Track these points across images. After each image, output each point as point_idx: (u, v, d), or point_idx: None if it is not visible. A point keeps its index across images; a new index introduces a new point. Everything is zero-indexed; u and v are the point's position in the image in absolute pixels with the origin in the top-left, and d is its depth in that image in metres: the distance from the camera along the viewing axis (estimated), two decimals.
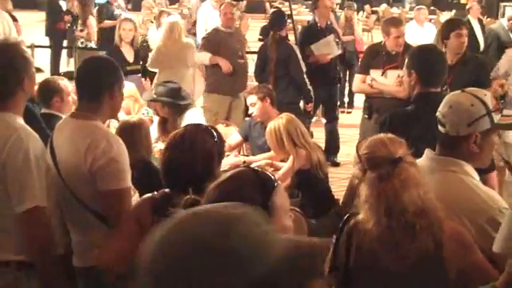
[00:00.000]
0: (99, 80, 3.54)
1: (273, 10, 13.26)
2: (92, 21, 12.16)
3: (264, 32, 11.78)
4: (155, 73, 9.01)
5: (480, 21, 13.04)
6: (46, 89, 5.48)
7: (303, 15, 20.95)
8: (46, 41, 13.53)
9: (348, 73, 12.09)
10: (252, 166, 5.44)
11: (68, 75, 7.89)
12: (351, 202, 5.09)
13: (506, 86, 6.38)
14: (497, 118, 3.09)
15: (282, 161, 5.75)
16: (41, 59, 11.25)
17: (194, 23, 13.94)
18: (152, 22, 13.02)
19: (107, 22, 12.00)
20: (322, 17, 9.22)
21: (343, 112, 11.75)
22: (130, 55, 8.79)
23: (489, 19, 15.31)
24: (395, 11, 23.41)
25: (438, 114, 3.17)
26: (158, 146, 5.36)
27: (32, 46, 10.82)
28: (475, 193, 2.97)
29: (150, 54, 9.20)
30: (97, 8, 13.08)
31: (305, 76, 8.36)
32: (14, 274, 3.27)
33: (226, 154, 6.22)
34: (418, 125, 4.02)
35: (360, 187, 2.94)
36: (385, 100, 6.59)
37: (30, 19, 17.26)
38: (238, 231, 1.28)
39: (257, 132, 6.38)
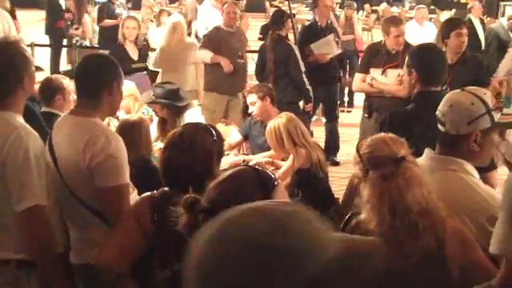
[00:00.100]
0: (98, 77, 3.54)
1: (273, 9, 13.27)
2: (87, 19, 12.16)
3: (264, 31, 11.79)
4: (156, 72, 9.01)
5: (481, 20, 13.05)
6: (48, 87, 5.50)
7: (303, 14, 20.96)
8: (46, 39, 13.52)
9: (348, 72, 12.09)
10: (252, 162, 5.48)
11: (68, 74, 7.89)
12: (351, 202, 5.08)
13: (505, 83, 6.38)
14: (497, 116, 3.09)
15: (282, 160, 5.74)
16: (41, 58, 11.24)
17: (189, 23, 13.93)
18: (152, 21, 13.05)
19: (108, 21, 11.99)
20: (322, 16, 9.21)
21: (343, 111, 11.75)
22: (134, 53, 8.76)
23: (489, 18, 15.31)
24: (395, 10, 23.43)
25: (437, 112, 3.17)
26: (158, 145, 5.35)
27: (32, 45, 10.82)
28: (476, 191, 2.97)
29: (150, 53, 9.20)
30: (98, 7, 13.08)
31: (304, 76, 8.35)
32: (14, 273, 3.27)
33: (226, 152, 6.22)
34: (418, 124, 4.02)
35: (361, 187, 2.93)
36: (385, 99, 6.59)
37: (30, 18, 17.26)
38: (293, 229, 1.25)
39: (257, 131, 6.38)
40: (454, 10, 21.30)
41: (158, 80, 8.66)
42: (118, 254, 3.07)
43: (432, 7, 21.25)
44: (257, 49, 9.84)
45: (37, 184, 3.22)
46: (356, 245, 1.33)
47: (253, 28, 14.92)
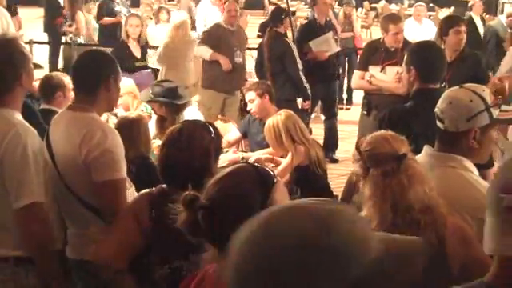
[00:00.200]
0: (95, 72, 3.55)
1: (272, 6, 13.27)
2: (81, 16, 12.12)
3: (263, 28, 11.79)
4: (157, 70, 9.01)
5: (482, 18, 13.06)
6: (48, 84, 5.53)
7: (303, 11, 20.94)
8: (45, 37, 13.50)
9: (347, 69, 12.09)
10: (252, 158, 5.48)
11: (64, 71, 7.89)
12: (350, 199, 5.07)
13: (505, 79, 6.37)
14: (495, 113, 3.09)
15: (281, 157, 5.74)
16: (39, 55, 11.22)
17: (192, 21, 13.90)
18: (151, 19, 13.03)
19: (107, 19, 11.97)
20: (321, 13, 9.21)
21: (342, 108, 11.75)
22: (137, 51, 8.75)
23: (488, 16, 15.30)
24: (394, 8, 23.40)
25: (436, 110, 3.17)
26: (157, 143, 5.35)
27: (30, 42, 10.80)
28: (475, 188, 2.96)
29: (149, 51, 9.20)
30: (97, 4, 13.06)
31: (301, 73, 8.35)
32: (12, 270, 3.28)
33: (225, 150, 6.22)
34: (417, 121, 4.01)
35: (360, 184, 2.93)
36: (384, 96, 6.59)
37: (28, 15, 17.23)
38: (337, 228, 1.21)
39: (255, 128, 6.38)
40: (452, 8, 21.29)
41: (161, 76, 8.66)
42: (116, 250, 3.08)
43: (431, 5, 21.23)
44: (255, 46, 9.84)
45: (35, 181, 3.22)
46: (397, 245, 1.29)
47: (252, 25, 14.91)
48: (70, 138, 3.42)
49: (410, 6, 20.59)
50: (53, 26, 13.33)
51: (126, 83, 6.44)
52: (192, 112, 6.08)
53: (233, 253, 1.25)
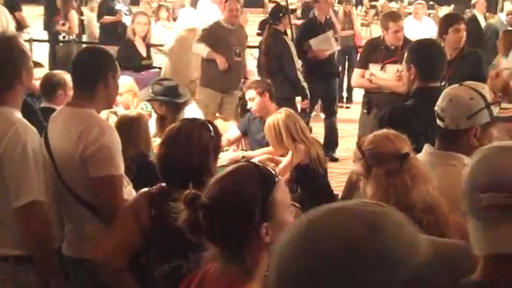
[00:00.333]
0: (94, 69, 3.56)
1: (271, 4, 13.25)
2: (73, 15, 12.10)
3: (263, 26, 11.77)
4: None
5: (485, 16, 13.06)
6: (50, 82, 5.56)
7: None
8: (45, 35, 13.48)
9: (347, 67, 12.08)
10: (256, 159, 5.48)
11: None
12: (350, 198, 5.07)
13: (503, 72, 6.37)
14: (496, 110, 3.09)
15: (281, 156, 5.74)
16: (39, 53, 11.21)
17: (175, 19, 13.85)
18: (151, 16, 13.00)
19: (107, 18, 11.95)
20: (321, 11, 9.20)
21: (342, 107, 11.75)
22: (143, 50, 8.72)
23: (488, 14, 15.29)
24: (394, 6, 23.40)
25: (436, 108, 3.16)
26: (157, 141, 5.35)
27: (30, 40, 10.79)
28: None
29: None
30: (98, 3, 13.03)
31: (298, 72, 8.34)
32: (12, 269, 3.27)
33: (225, 148, 6.22)
34: (417, 120, 4.01)
35: (361, 183, 2.93)
36: (384, 95, 6.58)
37: (28, 13, 17.21)
38: (384, 232, 1.17)
39: (256, 127, 6.37)
40: (452, 6, 21.29)
41: (165, 70, 8.68)
42: (115, 248, 3.08)
43: (431, 3, 21.23)
44: (255, 44, 9.82)
45: (35, 179, 3.22)
46: (445, 249, 1.26)
47: (251, 23, 14.88)
48: (68, 133, 3.43)
49: (410, 4, 20.56)
50: (52, 24, 13.32)
51: (126, 81, 6.43)
52: (192, 110, 6.07)
53: (275, 255, 1.21)
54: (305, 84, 8.35)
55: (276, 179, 2.10)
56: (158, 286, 3.07)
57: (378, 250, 1.15)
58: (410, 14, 13.63)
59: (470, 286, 1.63)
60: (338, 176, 7.77)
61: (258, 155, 5.87)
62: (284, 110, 5.65)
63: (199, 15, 12.11)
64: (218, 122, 6.32)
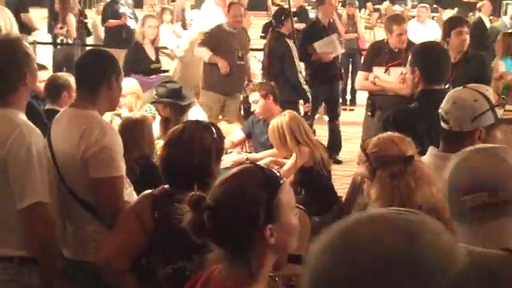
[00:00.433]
0: (97, 71, 3.57)
1: (275, 7, 13.27)
2: (71, 18, 12.10)
3: (266, 29, 11.77)
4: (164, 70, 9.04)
5: (489, 19, 13.07)
6: (54, 84, 5.59)
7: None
8: (49, 38, 13.50)
9: (350, 70, 12.08)
10: (262, 162, 5.49)
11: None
12: (354, 200, 5.07)
13: (505, 75, 6.37)
14: (500, 112, 3.09)
15: (285, 158, 5.74)
16: (43, 56, 11.22)
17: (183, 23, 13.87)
18: None
19: (112, 22, 11.96)
20: (325, 14, 9.19)
21: (345, 109, 11.74)
22: (152, 53, 8.68)
23: (491, 17, 15.30)
24: (397, 9, 23.40)
25: (440, 110, 3.16)
26: (161, 144, 5.35)
27: (34, 43, 10.80)
28: None
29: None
30: (102, 7, 13.05)
31: (300, 75, 8.33)
32: (16, 270, 3.27)
33: (229, 150, 6.23)
34: (421, 122, 4.00)
35: (364, 186, 2.93)
36: (388, 97, 6.57)
37: (33, 16, 17.24)
38: (422, 239, 1.16)
39: (259, 129, 6.37)
40: (456, 9, 21.29)
41: (178, 70, 8.70)
42: (117, 250, 3.08)
43: (434, 6, 21.23)
44: (259, 47, 9.82)
45: (39, 181, 3.22)
46: (481, 257, 1.25)
47: (255, 26, 14.90)
48: (70, 134, 3.44)
49: (414, 7, 20.57)
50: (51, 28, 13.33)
51: (130, 83, 6.45)
52: (196, 113, 6.07)
53: (309, 264, 1.20)
54: (306, 87, 8.34)
55: (281, 181, 2.10)
56: (161, 287, 3.06)
57: (415, 259, 1.14)
58: (414, 17, 13.63)
59: None
60: (341, 178, 7.76)
61: (262, 157, 5.87)
62: (288, 113, 5.65)
63: (203, 18, 12.16)
64: (222, 125, 6.33)
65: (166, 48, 10.33)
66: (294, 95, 8.33)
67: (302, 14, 12.94)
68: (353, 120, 10.57)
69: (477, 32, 11.15)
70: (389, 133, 2.93)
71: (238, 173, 2.12)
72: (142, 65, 8.40)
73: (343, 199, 5.58)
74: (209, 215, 2.04)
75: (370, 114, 6.95)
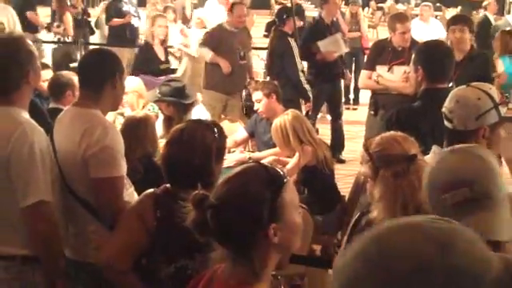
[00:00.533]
0: (102, 70, 3.57)
1: (278, 6, 13.26)
2: (68, 16, 12.09)
3: (269, 28, 11.78)
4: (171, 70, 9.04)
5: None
6: (58, 83, 5.60)
7: (308, 11, 20.91)
8: (50, 36, 13.51)
9: (354, 69, 12.06)
10: (266, 160, 5.49)
11: (74, 70, 7.90)
12: (357, 199, 5.08)
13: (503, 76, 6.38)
14: (503, 111, 3.08)
15: (288, 157, 5.73)
16: (46, 54, 11.22)
17: (184, 21, 13.83)
18: None
19: (116, 20, 11.95)
20: (329, 13, 9.18)
21: (348, 108, 11.73)
22: (161, 53, 8.63)
23: (495, 16, 15.29)
24: (401, 7, 23.38)
25: (444, 109, 3.16)
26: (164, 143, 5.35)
27: (37, 41, 10.80)
28: None
29: None
30: (105, 5, 13.04)
31: (300, 74, 8.32)
32: (19, 268, 3.27)
33: (232, 150, 6.22)
34: (424, 121, 4.00)
35: (368, 185, 2.92)
36: (391, 96, 6.56)
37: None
38: (457, 248, 1.14)
39: (262, 128, 6.37)
40: (459, 7, 21.26)
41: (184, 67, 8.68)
42: (119, 250, 3.08)
43: (438, 4, 21.21)
44: (262, 46, 9.82)
45: (41, 180, 3.22)
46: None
47: (258, 25, 14.90)
48: (72, 133, 3.43)
49: (417, 5, 20.55)
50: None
51: (134, 82, 6.45)
52: (199, 112, 6.07)
53: (339, 270, 1.19)
54: (307, 86, 8.33)
55: (285, 179, 2.09)
56: (164, 287, 3.06)
57: (450, 268, 1.13)
58: (417, 15, 13.61)
59: None
60: (344, 177, 7.76)
61: (265, 156, 5.86)
62: (291, 112, 5.64)
63: (206, 16, 12.14)
64: (225, 124, 6.33)
65: (171, 47, 10.32)
66: (295, 94, 8.32)
67: (298, 11, 12.93)
68: (356, 119, 10.56)
69: (482, 30, 11.14)
70: (392, 132, 2.93)
71: (242, 171, 2.11)
72: (152, 65, 8.36)
73: (346, 198, 5.59)
74: (212, 214, 2.04)
75: (373, 113, 6.94)
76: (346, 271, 1.18)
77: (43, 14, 16.50)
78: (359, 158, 3.00)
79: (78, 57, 10.81)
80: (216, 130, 3.23)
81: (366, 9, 22.76)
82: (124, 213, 3.26)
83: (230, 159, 5.61)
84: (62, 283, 3.33)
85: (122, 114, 6.06)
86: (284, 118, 5.54)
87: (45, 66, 5.96)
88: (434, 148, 3.19)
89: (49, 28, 12.81)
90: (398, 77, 6.68)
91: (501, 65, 7.70)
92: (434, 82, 4.21)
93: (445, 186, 2.08)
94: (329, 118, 9.93)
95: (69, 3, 13.32)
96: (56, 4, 12.22)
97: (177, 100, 5.84)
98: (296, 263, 4.11)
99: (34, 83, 3.47)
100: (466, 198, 2.07)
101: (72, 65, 9.29)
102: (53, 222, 3.27)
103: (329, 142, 8.64)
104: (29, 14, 11.73)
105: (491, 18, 12.53)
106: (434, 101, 3.80)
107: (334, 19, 9.43)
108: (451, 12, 19.16)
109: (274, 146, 5.95)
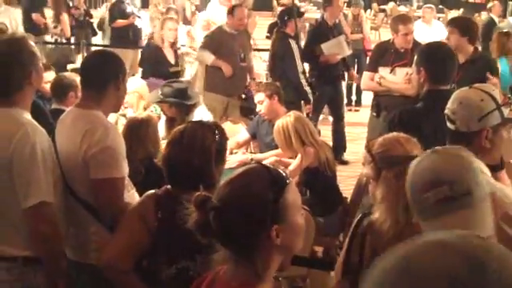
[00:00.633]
0: (105, 71, 3.58)
1: (280, 8, 13.26)
2: (65, 17, 12.09)
3: (271, 29, 11.77)
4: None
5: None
6: (61, 84, 5.61)
7: (310, 13, 20.93)
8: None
9: (356, 71, 12.06)
10: (267, 161, 5.49)
11: (76, 72, 7.90)
12: (359, 201, 5.07)
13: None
14: (506, 112, 3.08)
15: (290, 159, 5.73)
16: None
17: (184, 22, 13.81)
18: (159, 19, 13.01)
19: (120, 22, 11.94)
20: (332, 15, 9.17)
21: (351, 110, 11.73)
22: (171, 56, 8.56)
23: (499, 18, 15.30)
24: (403, 9, 23.38)
25: (446, 111, 3.15)
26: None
27: (40, 42, 10.81)
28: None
29: None
30: (108, 7, 13.05)
31: (301, 76, 8.32)
32: (20, 270, 3.27)
33: (234, 151, 6.22)
34: (427, 122, 4.00)
35: (370, 186, 2.92)
36: (393, 98, 6.55)
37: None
38: (491, 266, 1.10)
39: (265, 129, 6.37)
40: (462, 10, 21.26)
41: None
42: (121, 251, 3.08)
43: (440, 6, 21.21)
44: (264, 47, 9.81)
45: (43, 180, 3.21)
46: None
47: (260, 26, 14.89)
48: (73, 134, 3.44)
49: (419, 7, 20.55)
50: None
51: (137, 83, 6.46)
52: (202, 113, 6.07)
53: (369, 285, 1.14)
54: (307, 88, 8.32)
55: (287, 181, 2.09)
56: (166, 287, 3.06)
57: (487, 285, 1.08)
58: (420, 17, 13.61)
59: None
60: (346, 179, 7.75)
61: (267, 157, 5.86)
62: (293, 113, 5.64)
63: (208, 17, 12.15)
64: (227, 125, 6.33)
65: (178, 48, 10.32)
66: (296, 96, 8.31)
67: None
68: (358, 121, 10.56)
69: (488, 32, 11.12)
70: (394, 133, 2.93)
71: (244, 173, 2.11)
72: (161, 68, 8.33)
73: (348, 200, 5.58)
74: (214, 215, 2.03)
75: (375, 114, 6.94)
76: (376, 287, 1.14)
77: (47, 15, 16.56)
78: (361, 160, 3.00)
79: (80, 58, 10.84)
80: (217, 131, 3.22)
81: (368, 11, 22.77)
82: (125, 213, 3.25)
83: (232, 160, 5.61)
84: (64, 284, 3.33)
85: (124, 115, 6.06)
86: (286, 119, 5.54)
87: (47, 68, 5.96)
88: None
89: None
90: (400, 78, 6.67)
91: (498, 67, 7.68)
92: (437, 84, 4.21)
93: (425, 185, 2.13)
94: (331, 119, 9.93)
95: (71, 4, 13.35)
96: (52, 5, 12.20)
97: (179, 101, 5.84)
98: (298, 265, 4.11)
99: (37, 84, 3.47)
100: (446, 196, 2.12)
101: (69, 66, 9.27)
102: (54, 223, 3.27)
103: (331, 143, 8.64)
104: (34, 15, 11.74)
105: (496, 19, 12.53)
106: (437, 102, 3.79)
107: (337, 21, 9.43)
108: (453, 14, 19.16)
109: (276, 147, 5.94)
